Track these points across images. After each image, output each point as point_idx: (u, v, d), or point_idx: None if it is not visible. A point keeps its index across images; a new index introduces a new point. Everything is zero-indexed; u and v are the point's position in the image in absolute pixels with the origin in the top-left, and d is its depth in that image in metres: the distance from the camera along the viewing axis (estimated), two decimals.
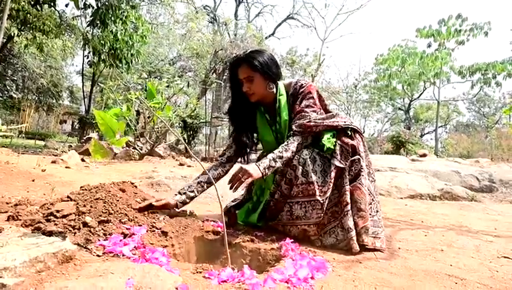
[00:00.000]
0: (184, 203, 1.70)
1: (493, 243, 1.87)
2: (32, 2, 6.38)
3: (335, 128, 1.63)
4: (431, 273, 1.30)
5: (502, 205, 4.16)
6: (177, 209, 1.69)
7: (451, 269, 1.38)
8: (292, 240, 1.45)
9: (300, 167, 1.57)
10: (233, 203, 1.97)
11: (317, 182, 1.55)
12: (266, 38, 17.88)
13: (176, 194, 1.71)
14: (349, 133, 1.62)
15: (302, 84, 1.76)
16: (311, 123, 1.63)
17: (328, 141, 1.57)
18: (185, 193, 1.70)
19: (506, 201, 4.45)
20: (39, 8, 6.53)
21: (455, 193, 4.15)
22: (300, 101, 1.71)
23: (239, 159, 1.90)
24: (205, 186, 1.74)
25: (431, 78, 17.37)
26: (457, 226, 2.37)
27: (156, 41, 15.26)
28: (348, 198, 1.52)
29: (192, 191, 1.70)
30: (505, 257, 1.61)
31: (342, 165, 1.56)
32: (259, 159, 1.96)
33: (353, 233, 1.49)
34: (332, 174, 1.55)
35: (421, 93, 23.89)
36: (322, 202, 1.53)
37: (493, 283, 1.25)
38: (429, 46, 15.95)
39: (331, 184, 1.54)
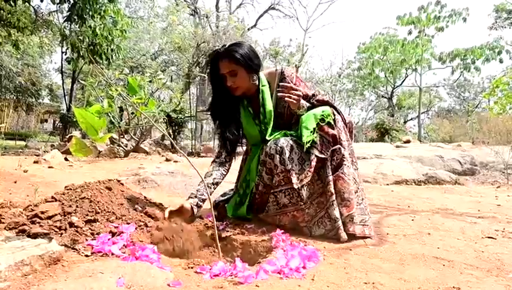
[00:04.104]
0: (198, 205, 1.68)
1: (477, 224, 1.92)
2: None
3: (334, 108, 1.65)
4: (419, 257, 1.33)
5: (484, 186, 4.28)
6: (193, 214, 1.66)
7: (439, 251, 1.41)
8: (282, 231, 1.45)
9: (278, 156, 1.57)
10: (223, 198, 1.96)
11: (293, 170, 1.55)
12: (248, 29, 17.75)
13: (188, 199, 1.69)
14: (331, 122, 1.60)
15: (292, 74, 1.77)
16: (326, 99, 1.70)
17: (307, 137, 1.55)
18: (196, 196, 1.69)
19: (487, 183, 4.58)
20: (13, 4, 6.30)
21: (439, 177, 4.24)
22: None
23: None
24: (212, 188, 1.75)
25: (412, 65, 17.63)
26: (443, 209, 2.43)
27: (136, 35, 14.98)
28: (332, 188, 1.52)
29: (202, 194, 1.70)
30: (489, 237, 1.66)
31: (322, 156, 1.55)
32: (245, 153, 1.95)
33: (340, 222, 1.49)
34: (313, 163, 1.54)
35: (403, 81, 24.19)
36: (298, 189, 1.53)
37: (479, 263, 1.29)
38: (410, 33, 16.15)
39: (310, 173, 1.54)
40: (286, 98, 1.60)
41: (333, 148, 1.56)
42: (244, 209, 1.70)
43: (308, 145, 1.54)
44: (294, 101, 1.60)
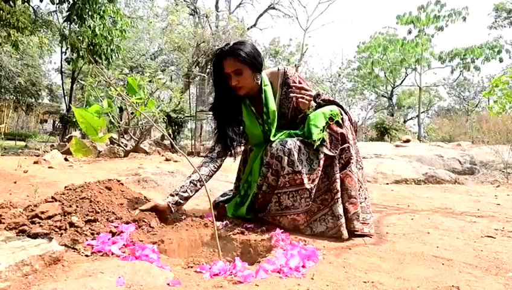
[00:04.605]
0: (178, 204, 1.63)
1: (477, 224, 1.93)
2: None
3: (341, 107, 1.65)
4: (418, 256, 1.33)
5: (484, 186, 4.28)
6: (172, 212, 1.62)
7: (438, 250, 1.42)
8: (282, 230, 1.45)
9: (286, 157, 1.56)
10: (222, 199, 1.96)
11: (304, 171, 1.54)
12: (248, 29, 17.74)
13: (168, 197, 1.65)
14: (339, 121, 1.59)
15: (295, 74, 1.78)
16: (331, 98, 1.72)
17: (318, 134, 1.55)
18: (177, 194, 1.64)
19: (487, 182, 4.59)
20: (12, 4, 6.31)
21: (439, 177, 4.25)
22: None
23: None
24: (198, 185, 1.69)
25: (412, 64, 17.64)
26: (442, 208, 2.43)
27: (136, 35, 14.98)
28: (338, 186, 1.53)
29: (185, 191, 1.65)
30: (488, 236, 1.66)
31: (331, 154, 1.55)
32: (244, 153, 1.95)
33: (343, 220, 1.50)
34: (321, 162, 1.54)
35: (403, 80, 24.22)
36: (310, 189, 1.53)
37: (478, 262, 1.29)
38: (409, 32, 16.17)
39: (320, 172, 1.54)
40: (299, 99, 1.61)
41: (342, 146, 1.57)
42: (244, 210, 1.70)
43: (319, 143, 1.54)
44: (306, 102, 1.62)
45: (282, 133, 1.71)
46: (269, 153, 1.61)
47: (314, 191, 1.54)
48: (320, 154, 1.55)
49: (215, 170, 1.78)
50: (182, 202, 1.65)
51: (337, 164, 1.55)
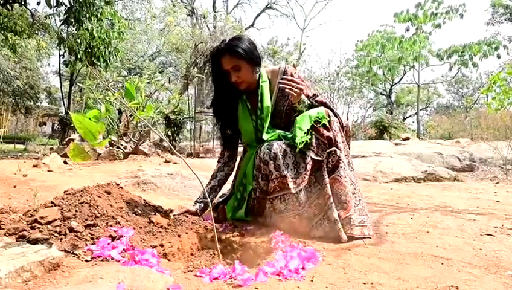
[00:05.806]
0: (203, 210, 1.79)
1: (476, 222, 1.93)
2: (1, 2, 6.15)
3: (331, 110, 1.65)
4: (418, 256, 1.33)
5: (483, 183, 4.29)
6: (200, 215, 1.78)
7: (437, 249, 1.42)
8: (282, 232, 1.45)
9: (272, 162, 1.55)
10: (221, 199, 1.96)
11: (290, 175, 1.54)
12: (246, 29, 17.74)
13: (194, 204, 1.80)
14: (326, 124, 1.57)
15: (294, 72, 1.79)
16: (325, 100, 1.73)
17: (301, 137, 1.53)
18: (202, 201, 1.80)
19: (486, 179, 4.60)
20: (9, 8, 6.31)
21: (438, 174, 4.25)
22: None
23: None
24: (218, 190, 1.86)
25: (410, 62, 17.64)
26: (442, 206, 2.43)
27: (134, 37, 14.98)
28: (329, 191, 1.51)
29: (206, 197, 1.79)
30: (487, 235, 1.66)
31: (318, 158, 1.54)
32: (244, 151, 1.95)
33: (339, 224, 1.49)
34: (308, 166, 1.53)
35: (401, 78, 24.25)
36: (296, 193, 1.52)
37: (477, 261, 1.29)
38: (407, 30, 16.17)
39: (307, 176, 1.53)
40: (287, 90, 1.63)
41: (329, 150, 1.55)
42: (243, 213, 1.70)
43: (302, 146, 1.53)
44: (295, 94, 1.63)
45: (273, 134, 1.71)
46: (258, 156, 1.63)
47: (302, 195, 1.53)
48: (307, 158, 1.54)
49: (230, 172, 1.91)
50: (206, 208, 1.80)
51: (325, 168, 1.54)
